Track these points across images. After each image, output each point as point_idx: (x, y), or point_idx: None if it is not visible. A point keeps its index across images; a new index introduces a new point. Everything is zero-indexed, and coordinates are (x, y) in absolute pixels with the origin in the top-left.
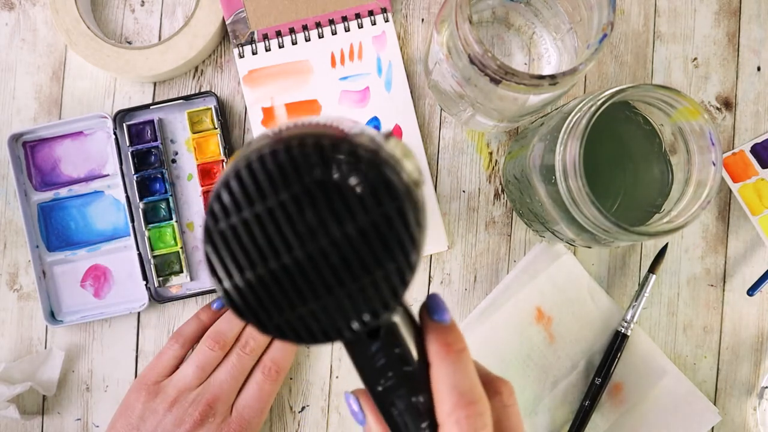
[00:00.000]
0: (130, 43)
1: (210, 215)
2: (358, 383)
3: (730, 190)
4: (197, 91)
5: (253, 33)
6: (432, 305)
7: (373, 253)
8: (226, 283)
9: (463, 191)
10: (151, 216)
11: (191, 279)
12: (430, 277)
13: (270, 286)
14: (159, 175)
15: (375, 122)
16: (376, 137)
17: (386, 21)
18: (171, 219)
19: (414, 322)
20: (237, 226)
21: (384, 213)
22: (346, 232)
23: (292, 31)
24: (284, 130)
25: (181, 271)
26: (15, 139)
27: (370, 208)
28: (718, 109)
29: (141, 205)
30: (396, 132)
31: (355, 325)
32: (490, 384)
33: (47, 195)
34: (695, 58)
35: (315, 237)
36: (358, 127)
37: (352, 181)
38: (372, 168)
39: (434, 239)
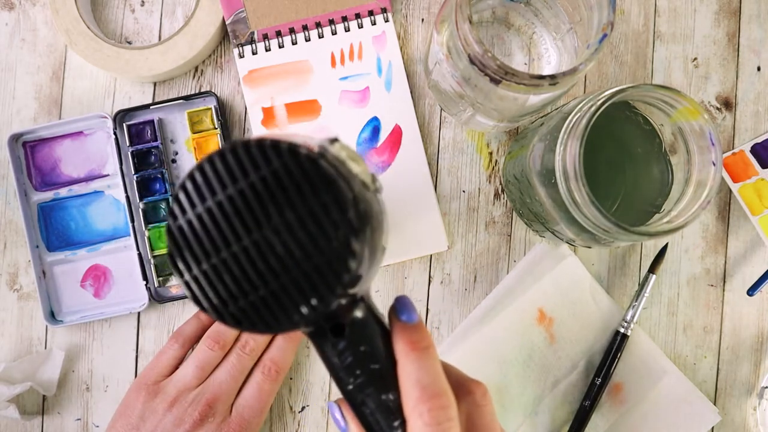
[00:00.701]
0: (130, 43)
1: (170, 215)
2: None
3: (730, 190)
4: (197, 91)
5: (253, 33)
6: (399, 306)
7: (313, 240)
8: (186, 276)
9: (463, 191)
10: (151, 216)
11: None
12: (430, 277)
13: (223, 275)
14: (159, 175)
15: (375, 122)
16: (322, 142)
17: (386, 21)
18: None
19: (381, 323)
20: (192, 220)
21: (321, 201)
22: (286, 219)
23: (292, 31)
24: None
25: None
26: (15, 139)
27: (308, 197)
28: (718, 109)
29: (141, 205)
30: (396, 132)
31: (304, 310)
32: (463, 385)
33: (47, 195)
34: (695, 58)
35: (260, 226)
36: (311, 137)
37: (291, 174)
38: (309, 162)
39: (434, 239)
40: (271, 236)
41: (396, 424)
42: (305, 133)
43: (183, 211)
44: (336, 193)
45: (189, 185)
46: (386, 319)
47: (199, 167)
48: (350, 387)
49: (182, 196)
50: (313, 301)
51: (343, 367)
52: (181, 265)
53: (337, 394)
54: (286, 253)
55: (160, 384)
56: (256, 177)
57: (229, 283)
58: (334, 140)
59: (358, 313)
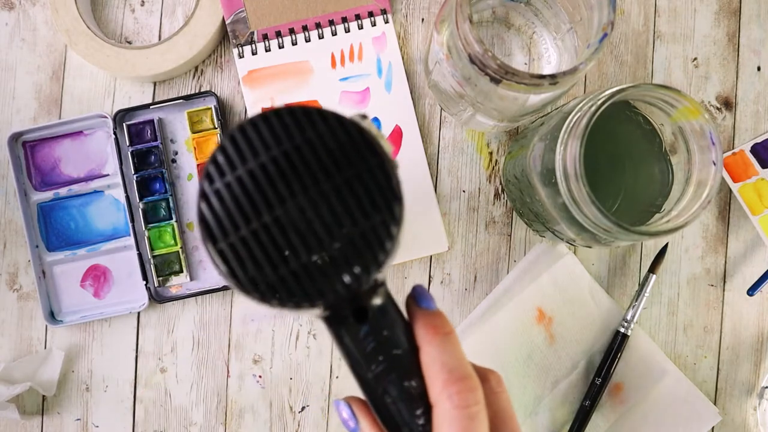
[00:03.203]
0: (130, 43)
1: (206, 177)
2: (357, 387)
3: (730, 190)
4: (197, 91)
5: (252, 33)
6: (418, 295)
7: (360, 205)
8: (221, 243)
9: (463, 191)
10: (151, 216)
11: (191, 279)
12: (430, 277)
13: (263, 241)
14: (159, 175)
15: (375, 123)
16: (353, 117)
17: (386, 22)
18: (171, 219)
19: (399, 310)
20: (231, 183)
21: (368, 167)
22: (334, 184)
23: (291, 31)
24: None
25: (181, 271)
26: (15, 138)
27: (355, 162)
28: (718, 109)
29: (141, 205)
30: (396, 133)
31: (347, 279)
32: (479, 373)
33: (47, 195)
34: (695, 58)
35: (305, 190)
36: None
37: (338, 138)
38: (355, 129)
39: (434, 240)
40: (317, 200)
41: (419, 412)
42: None
43: (221, 173)
44: (381, 159)
45: (229, 146)
46: (402, 309)
47: (240, 128)
48: (371, 375)
49: (220, 158)
50: (357, 270)
51: (364, 354)
52: (216, 232)
53: (337, 392)
54: (331, 218)
55: None
56: (301, 139)
57: (270, 250)
58: (364, 116)
59: (380, 299)
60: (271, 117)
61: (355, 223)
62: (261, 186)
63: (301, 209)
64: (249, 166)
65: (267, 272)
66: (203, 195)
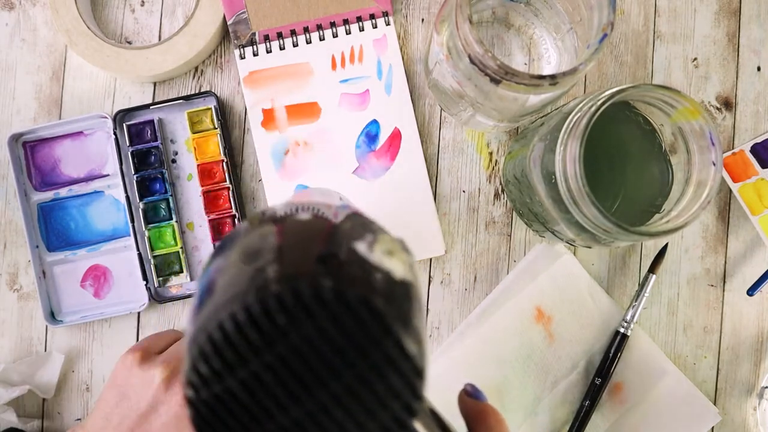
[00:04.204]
0: (130, 43)
1: (189, 386)
2: None
3: (730, 190)
4: (197, 91)
5: (254, 34)
6: (473, 393)
7: (377, 397)
8: None
9: (463, 191)
10: (151, 216)
11: (191, 279)
12: (430, 277)
13: None
14: (159, 175)
15: (374, 125)
16: (357, 246)
17: (387, 24)
18: (171, 219)
19: (436, 415)
20: (221, 395)
21: (381, 354)
22: (344, 382)
23: (293, 32)
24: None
25: (181, 271)
26: (15, 139)
27: (367, 350)
28: (718, 109)
29: (141, 205)
30: (395, 135)
31: None
32: None
33: (47, 195)
34: (695, 58)
35: (310, 395)
36: (343, 213)
37: (343, 327)
38: (364, 308)
39: (431, 244)
40: (326, 403)
41: None
42: (321, 198)
43: (206, 383)
44: (397, 336)
45: (208, 348)
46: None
47: (220, 325)
48: None
49: (203, 367)
50: None
51: None
52: None
53: None
54: (345, 417)
55: (153, 355)
56: (298, 338)
57: None
58: (374, 234)
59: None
60: (254, 308)
61: (373, 416)
62: (256, 396)
63: (309, 415)
64: (239, 376)
65: None
66: (192, 405)
